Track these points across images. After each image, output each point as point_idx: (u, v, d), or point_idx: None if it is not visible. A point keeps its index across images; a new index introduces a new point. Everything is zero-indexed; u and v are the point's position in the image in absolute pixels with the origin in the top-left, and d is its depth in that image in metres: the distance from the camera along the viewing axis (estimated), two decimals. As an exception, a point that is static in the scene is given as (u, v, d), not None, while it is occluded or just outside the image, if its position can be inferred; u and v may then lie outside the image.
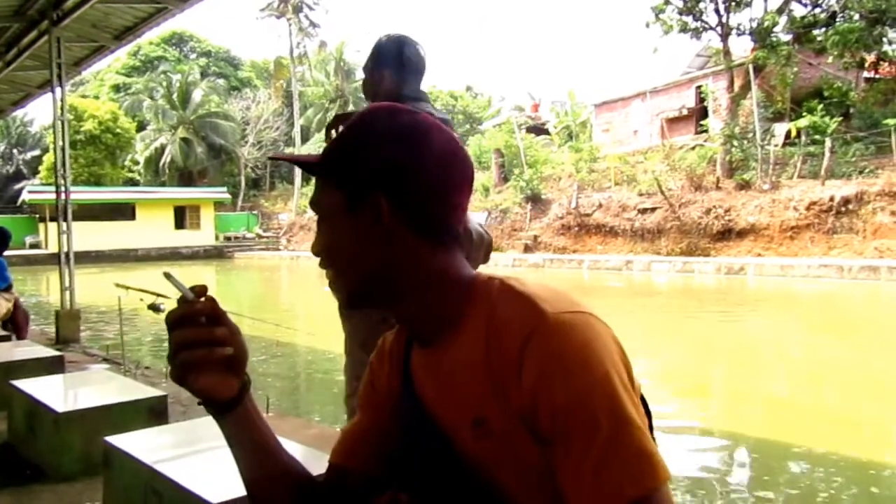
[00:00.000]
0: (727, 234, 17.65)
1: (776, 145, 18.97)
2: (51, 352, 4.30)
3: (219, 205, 37.29)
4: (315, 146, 38.05)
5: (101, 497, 2.42)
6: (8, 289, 5.77)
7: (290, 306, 14.88)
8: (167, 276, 0.87)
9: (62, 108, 7.11)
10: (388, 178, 0.83)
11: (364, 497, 0.94)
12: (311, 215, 35.98)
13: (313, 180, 0.91)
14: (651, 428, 0.82)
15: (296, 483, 0.95)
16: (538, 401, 0.74)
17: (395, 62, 2.38)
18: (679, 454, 4.43)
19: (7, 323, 5.95)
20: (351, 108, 43.50)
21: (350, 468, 0.95)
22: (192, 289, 0.84)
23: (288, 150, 41.68)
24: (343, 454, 0.97)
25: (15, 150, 47.44)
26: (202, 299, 0.83)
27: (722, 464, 4.41)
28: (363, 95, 2.62)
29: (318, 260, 0.90)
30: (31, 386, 3.14)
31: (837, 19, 18.23)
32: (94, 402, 2.92)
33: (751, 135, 19.46)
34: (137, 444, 2.18)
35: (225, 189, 38.02)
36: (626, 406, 0.73)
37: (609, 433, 0.71)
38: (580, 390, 0.72)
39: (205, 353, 0.81)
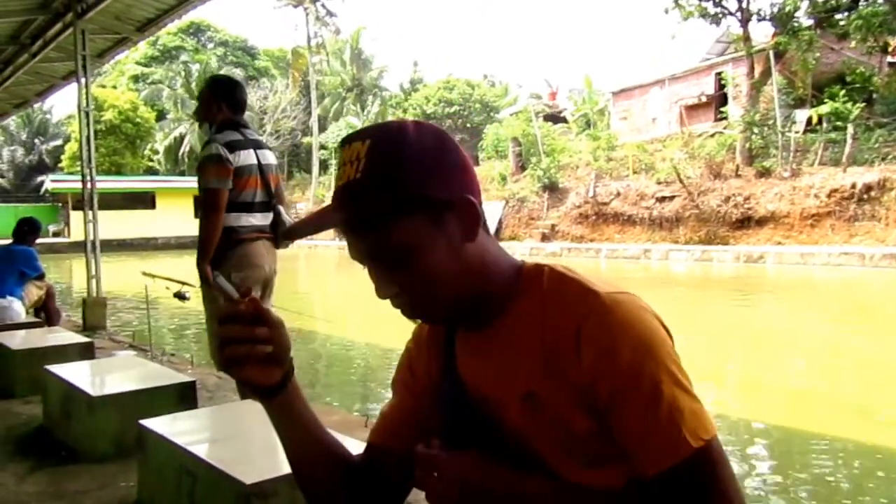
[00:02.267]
0: (747, 223, 17.51)
1: (797, 132, 18.74)
2: (81, 338, 4.42)
3: (237, 194, 37.59)
4: (333, 135, 38.15)
5: (134, 478, 2.52)
6: (40, 277, 5.92)
7: (307, 294, 15.02)
8: (215, 278, 0.93)
9: (87, 99, 7.22)
10: (454, 186, 0.88)
11: (400, 475, 1.00)
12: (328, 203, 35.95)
13: (331, 169, 0.93)
14: None
15: (338, 462, 1.01)
16: (599, 374, 0.82)
17: (230, 97, 3.32)
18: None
19: (39, 310, 6.11)
20: (369, 98, 43.53)
21: (388, 447, 1.01)
22: (238, 289, 0.90)
23: (305, 140, 41.86)
24: (381, 434, 1.03)
25: (36, 140, 48.08)
26: (247, 299, 0.88)
27: (740, 450, 4.44)
28: (195, 118, 3.57)
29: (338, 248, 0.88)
30: (65, 371, 3.25)
31: (861, 3, 17.91)
32: (126, 387, 3.02)
33: (771, 122, 19.23)
34: (171, 426, 2.26)
35: (243, 178, 38.28)
36: (678, 373, 0.83)
37: (669, 397, 0.81)
38: (638, 361, 0.81)
39: (246, 350, 0.86)
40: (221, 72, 41.61)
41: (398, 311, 0.93)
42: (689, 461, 0.79)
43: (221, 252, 3.18)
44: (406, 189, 0.83)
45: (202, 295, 3.30)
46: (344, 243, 0.90)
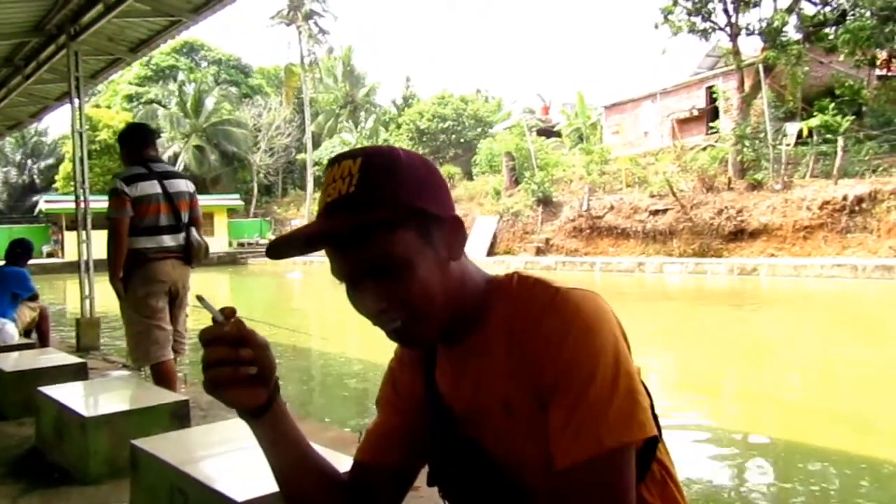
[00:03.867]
0: (740, 235, 17.61)
1: (788, 145, 18.91)
2: (75, 359, 4.40)
3: (232, 212, 37.61)
4: (326, 151, 38.26)
5: (127, 498, 2.50)
6: (33, 298, 5.91)
7: (303, 311, 14.99)
8: (199, 298, 0.92)
9: (80, 120, 7.25)
10: (442, 204, 0.90)
11: (388, 492, 1.02)
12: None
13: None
14: (652, 405, 0.92)
15: (325, 480, 1.02)
16: (544, 363, 0.83)
17: (128, 140, 3.96)
18: (692, 453, 4.46)
19: (30, 332, 6.09)
20: (362, 114, 43.72)
21: (375, 465, 1.03)
22: (222, 311, 0.90)
23: (300, 157, 41.97)
24: (368, 452, 1.05)
25: (30, 161, 48.07)
26: (231, 320, 0.89)
27: (735, 463, 4.44)
28: (122, 160, 4.01)
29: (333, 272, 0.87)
30: (58, 392, 3.23)
31: (848, 17, 18.15)
32: (119, 408, 3.01)
33: (762, 135, 19.40)
34: (163, 446, 2.26)
35: (238, 196, 38.34)
36: (620, 372, 0.81)
37: (599, 390, 0.80)
38: (581, 352, 0.82)
39: (230, 372, 0.87)
40: (215, 90, 41.91)
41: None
42: (597, 461, 0.79)
43: (131, 270, 3.76)
44: (401, 200, 0.84)
45: (119, 307, 3.89)
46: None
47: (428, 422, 1.01)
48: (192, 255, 3.97)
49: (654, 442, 0.93)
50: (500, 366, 0.90)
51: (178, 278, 3.92)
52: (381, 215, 0.83)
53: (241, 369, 0.87)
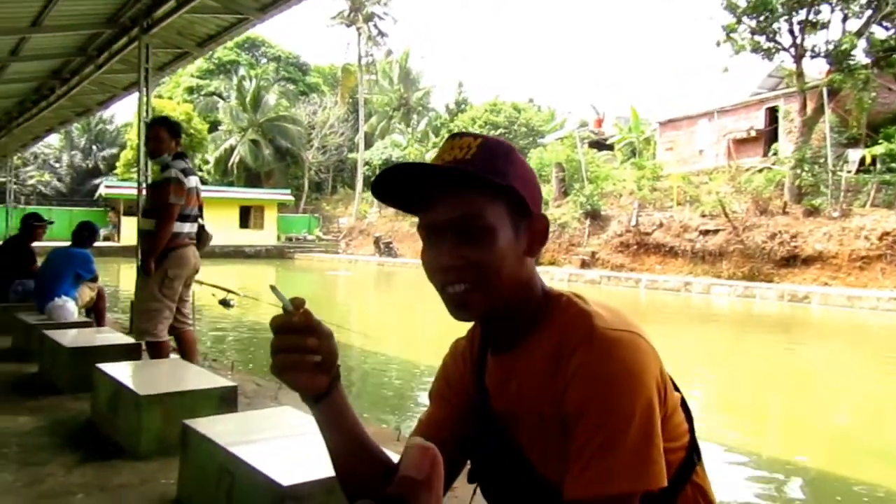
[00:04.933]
0: (792, 261, 17.14)
1: (849, 171, 18.35)
2: (129, 339, 4.59)
3: (282, 206, 38.29)
4: (378, 152, 38.64)
5: (175, 475, 2.62)
6: (94, 279, 6.15)
7: (346, 308, 15.18)
8: (273, 288, 0.98)
9: (147, 110, 7.51)
10: (537, 203, 0.98)
11: None
12: (370, 220, 36.67)
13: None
14: (692, 430, 0.96)
15: (378, 465, 1.07)
16: (570, 393, 0.88)
17: (179, 135, 4.42)
18: (731, 481, 4.40)
19: (90, 311, 6.35)
20: (414, 117, 44.05)
21: None
22: (292, 301, 0.96)
23: (351, 156, 42.52)
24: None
25: (94, 147, 49.82)
26: (301, 311, 0.95)
27: (771, 489, 4.36)
28: (148, 149, 4.51)
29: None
30: (115, 370, 3.39)
31: (920, 43, 17.56)
32: (172, 388, 3.14)
33: (822, 160, 18.88)
34: (213, 427, 2.36)
35: (289, 191, 39.03)
36: (640, 419, 0.84)
37: (612, 434, 0.84)
38: (603, 393, 0.85)
39: (297, 359, 0.93)
40: (274, 87, 42.79)
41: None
42: (600, 502, 0.83)
43: (166, 252, 4.18)
44: (506, 179, 0.93)
45: (136, 282, 4.33)
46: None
47: (474, 419, 1.06)
48: (202, 243, 4.48)
49: (691, 465, 0.96)
50: (539, 382, 0.95)
51: (196, 264, 4.44)
52: (484, 183, 0.91)
53: (306, 357, 0.93)
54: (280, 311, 0.96)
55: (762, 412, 6.82)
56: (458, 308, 0.96)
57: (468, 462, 1.11)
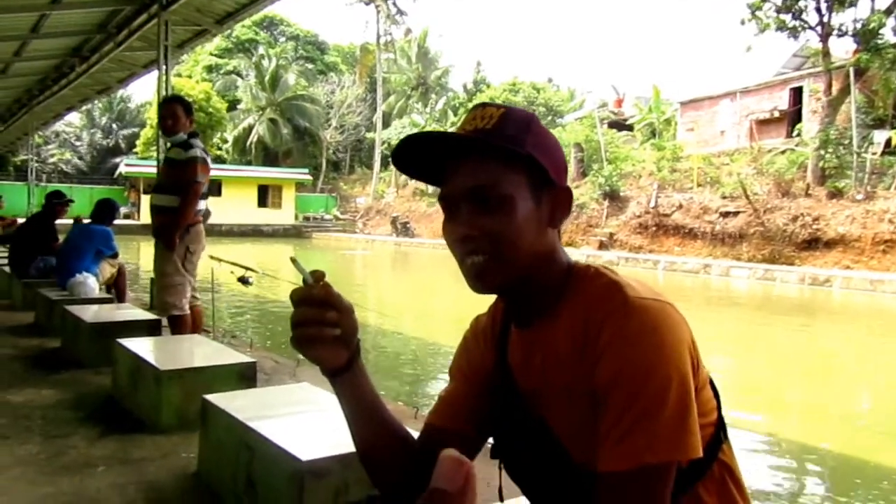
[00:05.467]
0: (814, 244, 16.92)
1: (874, 154, 18.00)
2: (150, 315, 4.64)
3: (300, 185, 38.40)
4: (396, 132, 38.54)
5: (195, 449, 2.64)
6: (114, 256, 6.22)
7: (363, 287, 15.25)
8: (293, 261, 0.97)
9: (167, 88, 7.52)
10: (559, 174, 0.96)
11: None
12: (387, 200, 36.67)
13: (391, 167, 0.98)
14: (720, 407, 0.94)
15: (399, 441, 1.07)
16: (602, 365, 0.85)
17: (192, 113, 4.50)
18: (745, 458, 4.38)
19: (110, 288, 6.42)
20: (433, 96, 43.81)
21: (444, 428, 1.08)
22: (313, 273, 0.95)
23: (368, 135, 42.46)
24: (438, 416, 1.10)
25: (115, 125, 50.16)
26: (320, 283, 0.94)
27: (793, 476, 4.34)
28: (163, 126, 4.42)
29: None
30: (135, 345, 3.42)
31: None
32: (191, 364, 3.17)
33: (847, 141, 18.53)
34: (233, 402, 2.37)
35: (306, 170, 39.09)
36: (674, 387, 0.82)
37: (650, 403, 0.81)
38: (638, 362, 0.83)
39: (316, 332, 0.92)
40: (293, 66, 42.73)
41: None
42: (636, 473, 0.81)
43: (186, 228, 4.28)
44: (525, 148, 0.92)
45: (155, 258, 4.36)
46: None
47: (495, 396, 1.05)
48: (204, 220, 4.60)
49: (718, 443, 0.94)
50: (566, 355, 0.92)
51: (204, 239, 4.58)
52: (505, 153, 0.91)
53: (325, 330, 0.93)
54: (300, 285, 0.96)
55: (780, 395, 6.77)
56: (475, 279, 0.94)
57: (488, 441, 1.10)
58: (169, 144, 4.56)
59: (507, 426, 1.03)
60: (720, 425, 0.96)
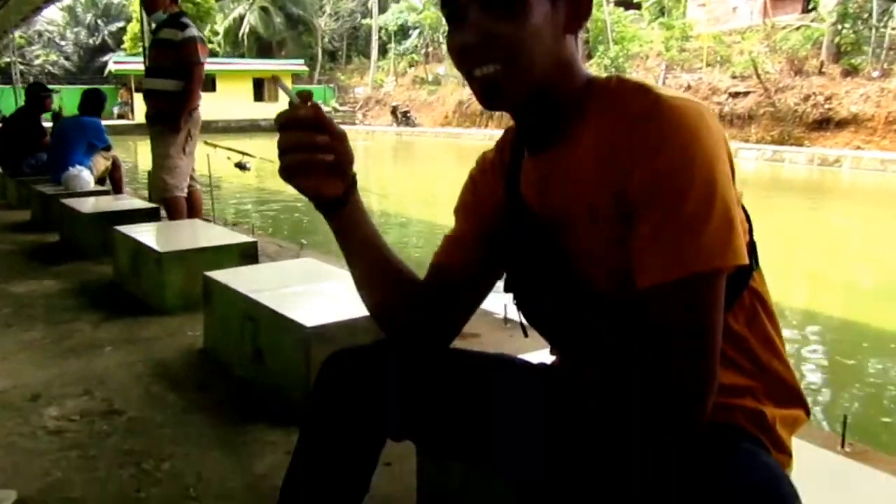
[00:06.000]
0: (825, 124, 16.52)
1: (894, 28, 17.25)
2: (148, 204, 4.56)
3: (296, 77, 37.30)
4: (393, 17, 37.09)
5: (200, 328, 2.62)
6: (107, 149, 6.06)
7: (366, 178, 15.12)
8: (275, 79, 0.89)
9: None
10: None
11: (462, 294, 1.01)
12: (386, 90, 35.84)
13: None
14: (751, 231, 0.85)
15: (403, 281, 1.00)
16: (634, 171, 0.75)
17: None
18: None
19: (104, 181, 6.29)
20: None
21: (451, 266, 1.01)
22: (299, 94, 0.85)
23: (365, 22, 40.94)
24: (445, 255, 1.03)
25: (100, 21, 48.25)
26: (308, 104, 0.84)
27: (800, 341, 4.40)
28: (145, 4, 4.25)
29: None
30: (135, 231, 3.35)
31: None
32: (191, 245, 3.11)
33: (866, 15, 17.69)
34: (234, 278, 2.32)
35: (302, 61, 37.88)
36: (719, 190, 0.73)
37: (694, 207, 0.72)
38: (678, 164, 0.73)
39: (305, 157, 0.83)
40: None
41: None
42: (685, 283, 0.72)
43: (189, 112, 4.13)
44: None
45: (153, 142, 4.20)
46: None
47: (508, 228, 0.96)
48: None
49: (748, 270, 0.84)
50: (589, 172, 0.82)
51: None
52: None
53: (317, 155, 0.84)
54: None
55: (787, 269, 6.78)
56: (487, 94, 0.82)
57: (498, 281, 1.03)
58: (154, 25, 4.31)
59: (521, 258, 0.95)
60: (751, 251, 0.87)
